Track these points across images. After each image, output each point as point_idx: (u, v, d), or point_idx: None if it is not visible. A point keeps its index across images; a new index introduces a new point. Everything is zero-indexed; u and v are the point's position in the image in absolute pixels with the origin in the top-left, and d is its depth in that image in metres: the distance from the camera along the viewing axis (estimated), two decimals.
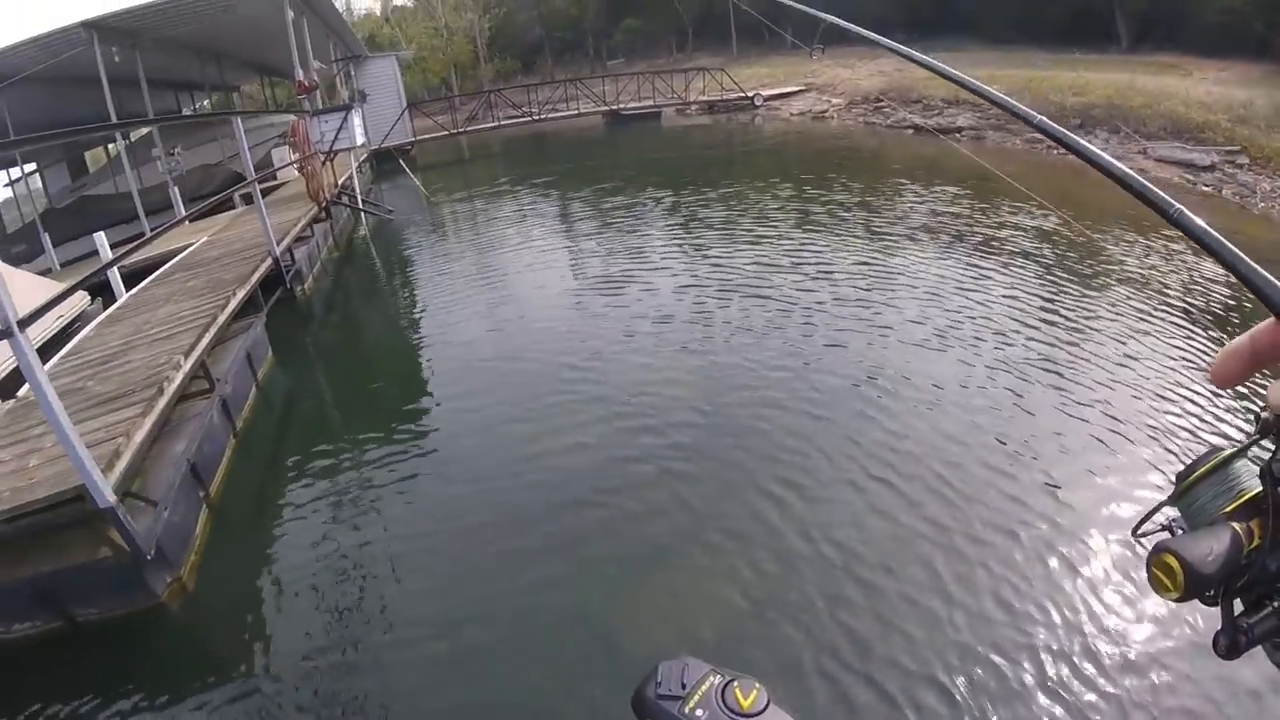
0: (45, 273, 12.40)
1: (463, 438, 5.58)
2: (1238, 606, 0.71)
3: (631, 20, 48.58)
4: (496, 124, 29.77)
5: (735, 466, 4.66)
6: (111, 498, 3.52)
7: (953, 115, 18.83)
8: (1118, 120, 14.24)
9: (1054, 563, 3.63)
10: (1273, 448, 0.69)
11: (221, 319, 6.19)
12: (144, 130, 19.24)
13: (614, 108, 29.10)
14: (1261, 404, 0.71)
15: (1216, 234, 0.83)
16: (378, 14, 52.34)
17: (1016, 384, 5.54)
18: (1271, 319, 0.68)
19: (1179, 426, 4.80)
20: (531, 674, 3.32)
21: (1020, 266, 8.10)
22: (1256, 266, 0.74)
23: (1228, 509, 0.73)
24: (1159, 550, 0.68)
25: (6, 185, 20.64)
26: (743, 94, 27.95)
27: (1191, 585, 0.66)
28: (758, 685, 1.04)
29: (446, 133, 28.09)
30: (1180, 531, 0.79)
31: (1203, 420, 4.84)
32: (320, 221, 12.26)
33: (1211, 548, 0.68)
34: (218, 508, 4.91)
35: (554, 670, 3.32)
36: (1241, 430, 4.62)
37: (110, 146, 20.60)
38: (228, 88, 28.09)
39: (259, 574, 4.35)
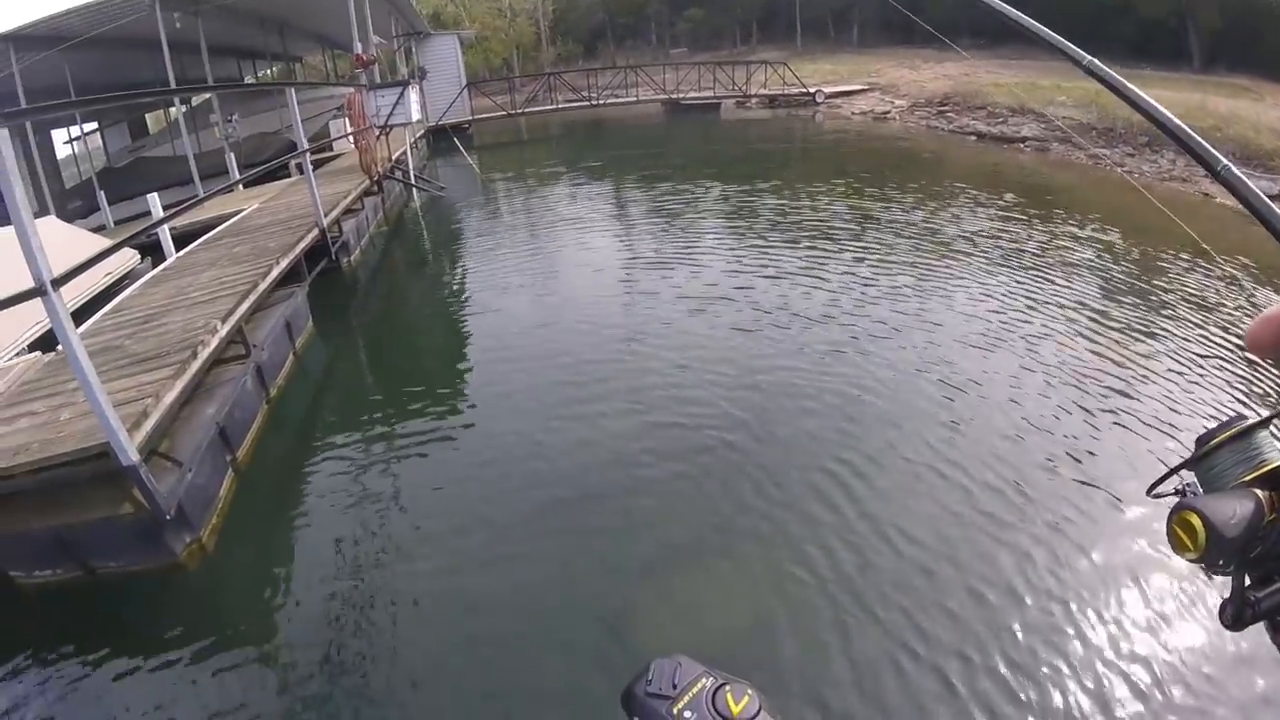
0: (99, 229, 12.65)
1: (495, 420, 5.55)
2: (1246, 578, 0.69)
3: (695, 10, 48.31)
4: (555, 107, 29.89)
5: (766, 469, 4.57)
6: (135, 456, 3.55)
7: (1017, 124, 18.43)
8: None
9: (1092, 583, 3.51)
10: None
11: (262, 287, 6.24)
12: (203, 96, 19.60)
13: (673, 97, 28.99)
14: None
15: (1264, 197, 0.82)
16: None
17: (1064, 391, 5.39)
18: None
19: None
20: (539, 665, 3.29)
21: (1077, 277, 7.86)
22: (1269, 201, 0.74)
23: (1247, 478, 0.72)
24: (1182, 507, 0.67)
25: (67, 143, 21.15)
26: (804, 90, 27.67)
27: (1212, 546, 0.65)
28: (750, 691, 1.02)
29: (505, 113, 28.23)
30: (1196, 493, 0.77)
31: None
32: (371, 195, 12.38)
33: (1235, 510, 0.66)
34: (244, 473, 4.95)
35: (561, 663, 3.28)
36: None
37: (170, 110, 21.01)
38: (290, 58, 28.48)
39: (279, 541, 4.38)
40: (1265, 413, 0.75)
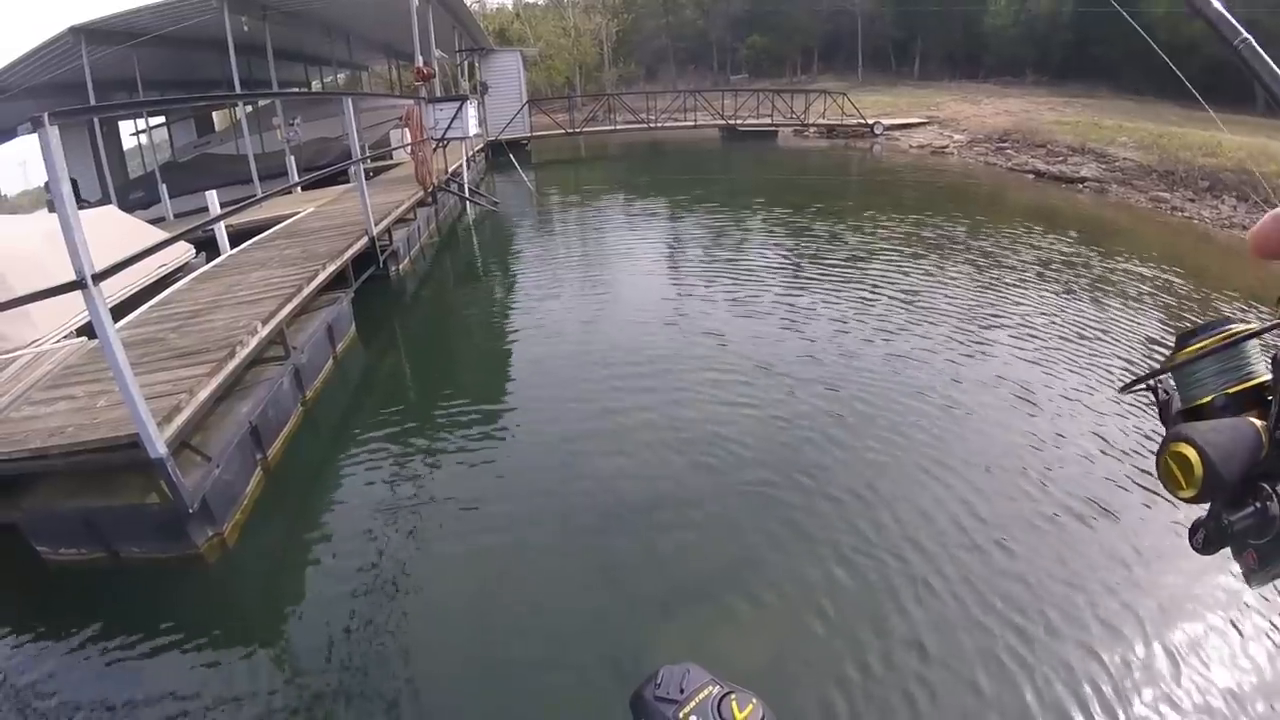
0: (159, 221, 13.02)
1: (530, 439, 5.55)
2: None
3: (758, 37, 48.51)
4: (613, 127, 30.15)
5: (798, 507, 4.47)
6: (163, 449, 3.63)
7: (1077, 164, 18.14)
8: (1247, 187, 13.48)
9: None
10: None
11: (306, 291, 6.36)
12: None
13: (731, 123, 29.04)
14: None
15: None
16: (510, 8, 53.49)
17: (1126, 439, 5.21)
18: None
19: None
20: (551, 682, 3.28)
21: (1134, 322, 7.67)
22: None
23: (1231, 390, 0.67)
24: (1176, 438, 0.62)
25: (134, 134, 21.90)
26: (863, 121, 27.54)
27: (1209, 484, 0.61)
28: (754, 700, 1.01)
29: (564, 132, 28.53)
30: (1167, 395, 0.73)
31: None
32: (425, 206, 12.57)
33: (1235, 446, 0.62)
34: (273, 472, 5.03)
35: (573, 682, 3.27)
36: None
37: (235, 109, 21.61)
38: (356, 66, 29.14)
39: (300, 542, 4.43)
40: (1256, 323, 0.70)
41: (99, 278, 3.42)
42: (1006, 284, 9.03)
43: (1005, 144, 21.84)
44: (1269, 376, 0.66)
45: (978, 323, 7.61)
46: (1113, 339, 7.14)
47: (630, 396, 6.08)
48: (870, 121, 27.43)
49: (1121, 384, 0.75)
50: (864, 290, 8.73)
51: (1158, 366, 0.75)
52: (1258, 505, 0.61)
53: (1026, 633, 3.40)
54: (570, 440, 5.46)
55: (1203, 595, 3.61)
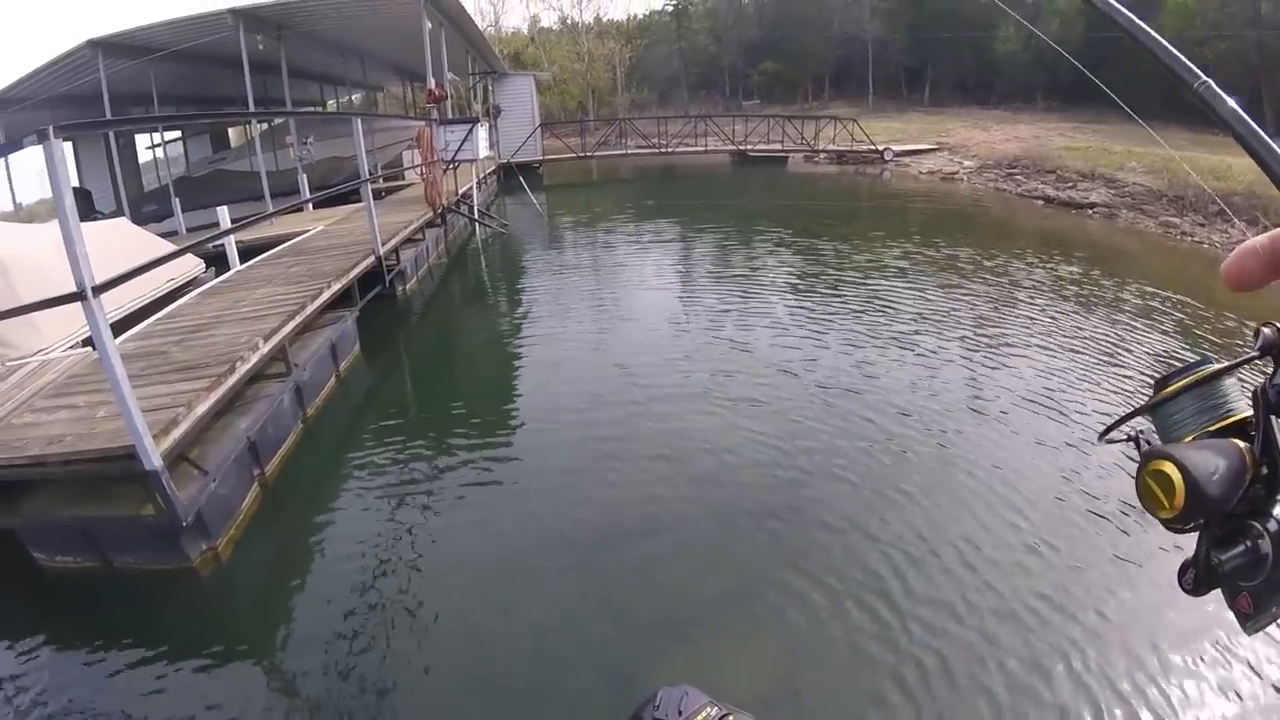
0: (171, 234, 13.15)
1: (532, 462, 5.53)
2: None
3: (770, 63, 48.80)
4: (624, 152, 30.42)
5: (800, 537, 4.42)
6: (158, 462, 3.66)
7: (1086, 190, 18.13)
8: (1257, 211, 13.44)
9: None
10: (1271, 369, 0.63)
11: (310, 309, 6.41)
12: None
13: (742, 148, 29.21)
14: (1265, 321, 0.63)
15: (1245, 116, 0.77)
16: (525, 33, 54.02)
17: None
18: None
19: None
20: (550, 711, 3.25)
21: (1143, 346, 7.61)
22: None
23: (1210, 428, 0.66)
24: (1156, 455, 0.60)
25: (150, 148, 22.19)
26: (873, 147, 27.60)
27: (1191, 505, 0.58)
28: None
29: (575, 155, 28.74)
30: (1149, 445, 0.72)
31: None
32: (434, 226, 12.67)
33: (1217, 463, 0.60)
34: (270, 488, 5.05)
35: (574, 711, 3.24)
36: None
37: (250, 126, 21.87)
38: (370, 86, 29.44)
39: (294, 558, 4.44)
40: (1231, 359, 0.68)
41: (99, 290, 3.47)
42: (1015, 312, 8.99)
43: (1015, 170, 21.85)
44: (1250, 412, 0.65)
45: (985, 351, 7.57)
46: (1121, 368, 7.08)
47: (634, 420, 6.08)
48: (880, 147, 27.49)
49: (1099, 432, 0.72)
50: (871, 318, 8.71)
51: (1137, 407, 0.74)
52: (1248, 544, 0.60)
53: (1031, 662, 3.37)
54: (572, 463, 5.46)
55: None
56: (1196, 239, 13.86)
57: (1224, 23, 30.95)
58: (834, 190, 23.14)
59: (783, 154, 29.03)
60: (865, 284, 10.30)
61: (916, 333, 8.10)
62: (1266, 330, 0.62)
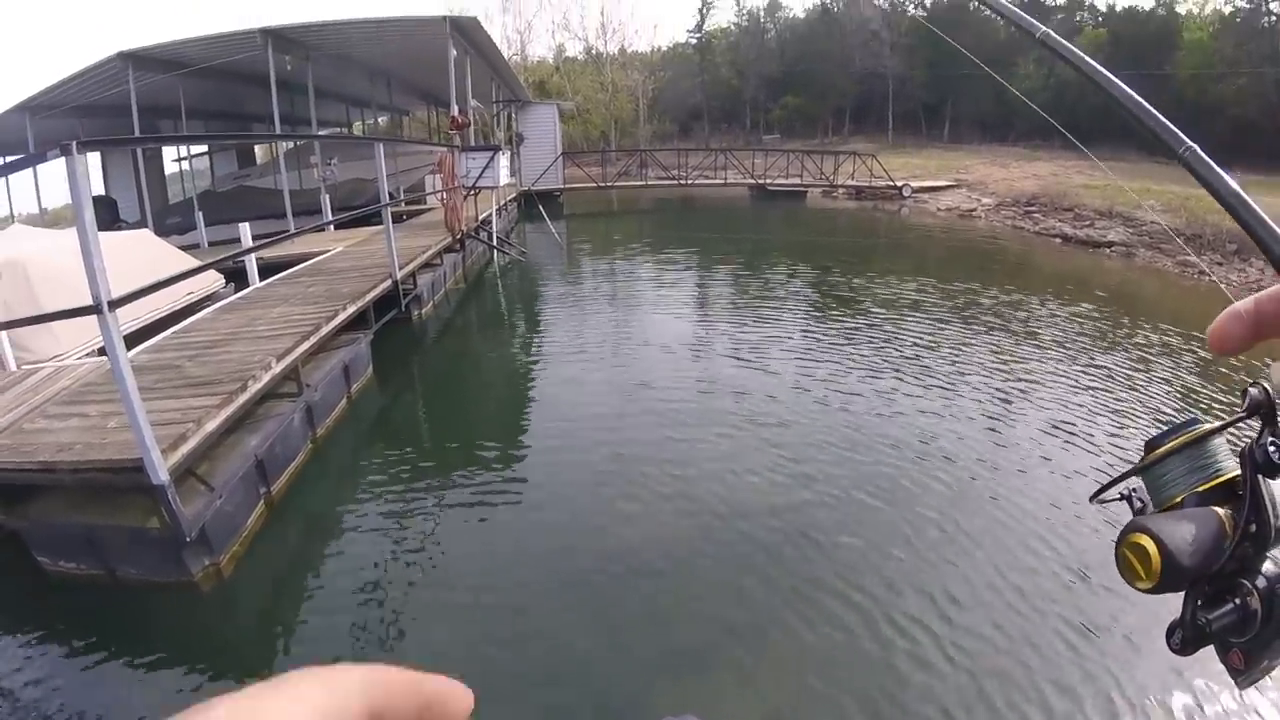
0: (193, 248, 13.32)
1: (541, 491, 5.51)
2: (1197, 600, 0.64)
3: (791, 98, 49.24)
4: (645, 183, 30.62)
5: (807, 576, 4.34)
6: (164, 476, 3.69)
7: (1104, 228, 18.11)
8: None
9: None
10: (1258, 429, 0.62)
11: (324, 330, 6.46)
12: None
13: (761, 182, 29.40)
14: (1252, 380, 0.63)
15: (1230, 180, 0.77)
16: (550, 62, 54.64)
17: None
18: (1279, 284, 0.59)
19: None
20: None
21: (1157, 393, 7.53)
22: (1267, 219, 0.69)
23: (1199, 489, 0.67)
24: (1134, 529, 0.62)
25: (176, 160, 22.61)
26: (891, 183, 27.71)
27: (1168, 576, 0.60)
28: None
29: (595, 185, 28.96)
30: (1141, 504, 0.72)
31: None
32: (453, 251, 12.75)
33: (1194, 534, 0.61)
34: (276, 507, 5.07)
35: None
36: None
37: (275, 145, 22.23)
38: (397, 110, 29.82)
39: (296, 578, 4.44)
40: (1220, 420, 0.69)
41: (115, 304, 3.52)
42: (1031, 351, 8.95)
43: (1033, 207, 21.88)
44: (1239, 471, 0.65)
45: (1001, 390, 7.53)
46: (1134, 413, 7.03)
47: (644, 451, 6.05)
48: (899, 183, 27.59)
49: (1091, 493, 0.72)
50: (886, 355, 8.68)
51: (1128, 469, 0.75)
52: (1237, 602, 0.61)
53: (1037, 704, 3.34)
54: (582, 493, 5.43)
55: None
56: (1214, 278, 13.79)
57: (1241, 60, 31.03)
58: (852, 226, 23.18)
59: (801, 189, 29.18)
60: (881, 321, 10.29)
61: (931, 370, 8.07)
62: (1253, 390, 0.62)
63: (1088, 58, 1.08)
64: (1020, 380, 7.85)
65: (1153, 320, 10.32)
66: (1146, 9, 43.56)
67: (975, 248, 18.29)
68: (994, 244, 18.83)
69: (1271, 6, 34.69)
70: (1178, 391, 7.61)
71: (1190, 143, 0.82)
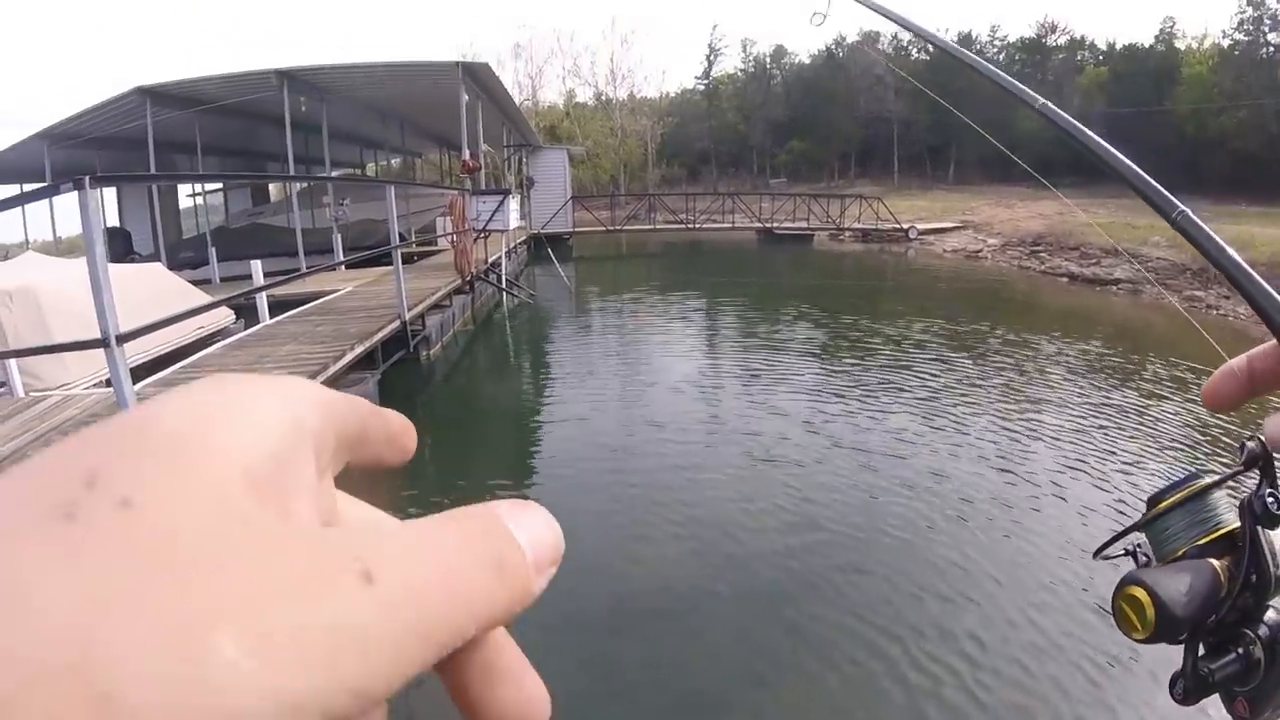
0: (205, 283, 13.49)
1: None
2: (1199, 648, 0.65)
3: (797, 142, 49.79)
4: (653, 226, 30.86)
5: (815, 618, 4.29)
6: None
7: (1110, 265, 18.16)
8: None
9: None
10: (1256, 482, 0.64)
11: (331, 370, 6.48)
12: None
13: (768, 226, 29.60)
14: (1249, 434, 0.65)
15: (1221, 241, 0.79)
16: (561, 107, 55.42)
17: None
18: (1273, 341, 0.62)
19: None
20: None
21: (1169, 435, 7.47)
22: (1261, 281, 0.69)
23: (1200, 542, 0.67)
24: (1129, 581, 0.63)
25: (191, 195, 22.96)
26: (897, 225, 27.89)
27: (1163, 626, 0.61)
28: None
29: (604, 229, 29.21)
30: (1146, 559, 0.73)
31: None
32: (462, 293, 12.84)
33: (1189, 585, 0.62)
34: None
35: None
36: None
37: (288, 184, 22.60)
38: (409, 152, 30.26)
39: None
40: (1219, 474, 0.70)
41: (123, 339, 3.57)
42: (1040, 390, 8.91)
43: (1039, 247, 21.98)
44: (1238, 524, 0.66)
45: (1011, 430, 7.46)
46: (1147, 449, 6.97)
47: (651, 496, 5.99)
48: (905, 226, 27.76)
49: (1096, 549, 0.73)
50: (896, 395, 8.65)
51: (1131, 524, 0.76)
52: (1240, 651, 0.62)
53: None
54: (588, 537, 5.27)
55: None
56: (1221, 311, 13.80)
57: (1241, 93, 31.27)
58: (859, 268, 23.28)
59: (808, 232, 29.38)
60: (890, 362, 10.28)
61: (941, 410, 8.04)
62: (1250, 444, 0.63)
63: (1083, 127, 1.12)
64: (1030, 418, 7.80)
65: (1161, 355, 10.29)
66: (1146, 46, 44.16)
67: (982, 288, 18.32)
68: (1001, 284, 18.88)
69: (1270, 37, 35.08)
70: (1188, 425, 7.56)
71: (1182, 206, 0.84)
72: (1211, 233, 0.82)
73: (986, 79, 1.39)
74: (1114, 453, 6.86)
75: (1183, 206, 0.84)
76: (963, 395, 8.62)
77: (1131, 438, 7.25)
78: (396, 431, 0.27)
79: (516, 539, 0.22)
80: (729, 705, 3.68)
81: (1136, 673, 3.68)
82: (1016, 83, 1.32)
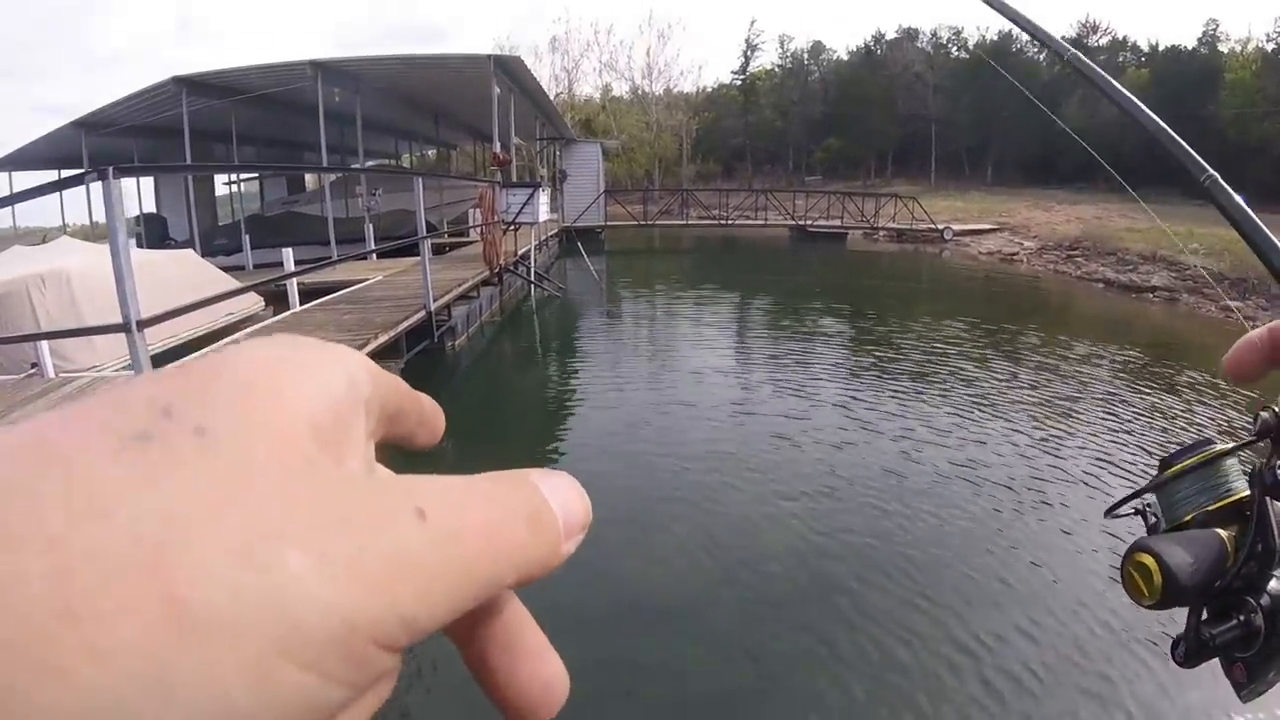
0: (238, 270, 13.72)
1: None
2: (1202, 612, 0.66)
3: (834, 140, 49.41)
4: (685, 222, 30.83)
5: (830, 629, 4.17)
6: None
7: (1148, 272, 17.85)
8: None
9: None
10: (1269, 452, 0.65)
11: None
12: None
13: (801, 223, 29.44)
14: (1263, 405, 0.66)
15: (1247, 209, 0.79)
16: (597, 100, 55.38)
17: None
18: None
19: None
20: None
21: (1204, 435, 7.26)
22: None
23: (1210, 508, 0.69)
24: (1138, 548, 0.64)
25: (227, 183, 23.33)
26: (933, 226, 27.61)
27: (1169, 593, 0.62)
28: None
29: (637, 223, 29.21)
30: (1155, 519, 0.74)
31: None
32: (490, 285, 12.89)
33: (1196, 555, 0.64)
34: None
35: None
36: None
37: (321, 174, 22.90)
38: (443, 143, 30.45)
39: None
40: (1233, 441, 0.72)
41: (144, 324, 3.64)
42: (1074, 397, 8.77)
43: (1075, 251, 21.64)
44: (1248, 492, 0.67)
45: (1045, 438, 7.30)
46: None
47: (673, 498, 5.91)
48: (940, 226, 27.47)
49: (1108, 507, 0.74)
50: (925, 400, 8.51)
51: (1142, 486, 0.77)
52: (1241, 618, 0.63)
53: None
54: (605, 538, 5.14)
55: None
56: (1259, 323, 13.45)
57: None
58: (892, 269, 23.10)
59: (842, 230, 29.15)
60: (919, 366, 10.16)
61: (974, 414, 7.93)
62: (1265, 414, 0.64)
63: (1114, 80, 1.11)
64: (1064, 425, 7.67)
65: (1197, 366, 10.10)
66: (1189, 48, 43.36)
67: (1017, 292, 18.09)
68: (1036, 289, 18.63)
69: None
70: (1225, 433, 7.38)
71: (1211, 170, 0.85)
72: (1238, 199, 0.82)
73: (1021, 27, 1.40)
74: (1153, 457, 6.74)
75: (1212, 171, 0.85)
76: (997, 400, 8.50)
77: (1168, 445, 7.09)
78: (429, 413, 0.28)
79: (549, 501, 0.24)
80: (744, 706, 3.66)
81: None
82: (1047, 30, 1.33)
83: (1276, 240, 0.84)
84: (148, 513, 0.15)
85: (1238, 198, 0.84)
